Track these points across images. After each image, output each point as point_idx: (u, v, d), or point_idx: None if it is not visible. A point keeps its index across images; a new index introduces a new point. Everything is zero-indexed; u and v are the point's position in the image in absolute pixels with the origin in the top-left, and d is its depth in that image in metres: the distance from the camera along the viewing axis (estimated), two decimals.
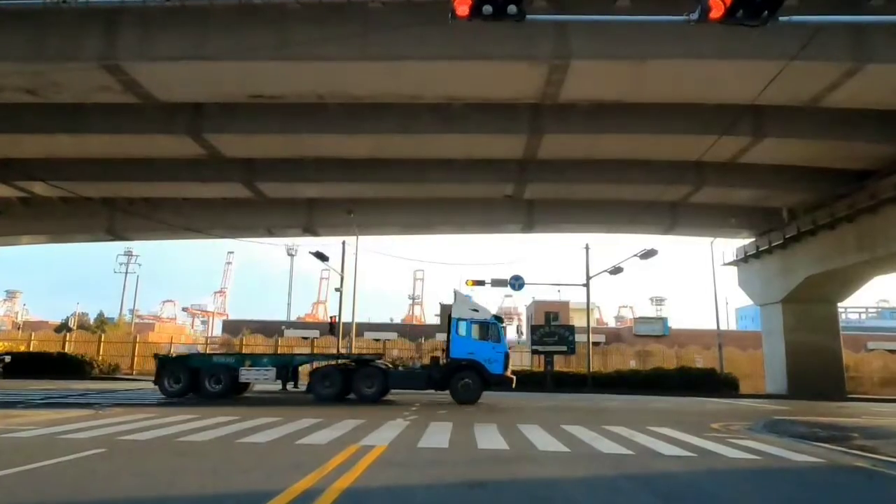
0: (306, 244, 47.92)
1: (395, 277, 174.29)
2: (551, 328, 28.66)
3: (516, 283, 27.97)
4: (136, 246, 57.85)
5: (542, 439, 9.62)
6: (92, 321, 56.79)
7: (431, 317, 69.24)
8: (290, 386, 19.31)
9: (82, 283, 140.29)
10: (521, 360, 31.41)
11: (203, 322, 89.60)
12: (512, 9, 7.46)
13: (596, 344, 35.19)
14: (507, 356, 18.16)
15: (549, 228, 30.37)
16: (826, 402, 23.91)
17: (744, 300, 40.53)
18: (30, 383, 22.47)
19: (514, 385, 18.45)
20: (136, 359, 34.39)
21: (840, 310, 32.48)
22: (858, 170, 22.46)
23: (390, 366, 20.33)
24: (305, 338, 38.06)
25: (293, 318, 64.23)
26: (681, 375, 28.09)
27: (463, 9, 7.53)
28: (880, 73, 15.61)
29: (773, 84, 14.40)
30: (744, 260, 31.44)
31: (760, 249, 29.36)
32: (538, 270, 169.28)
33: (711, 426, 12.59)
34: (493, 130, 19.70)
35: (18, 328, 54.26)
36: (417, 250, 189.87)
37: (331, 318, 31.25)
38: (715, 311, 48.38)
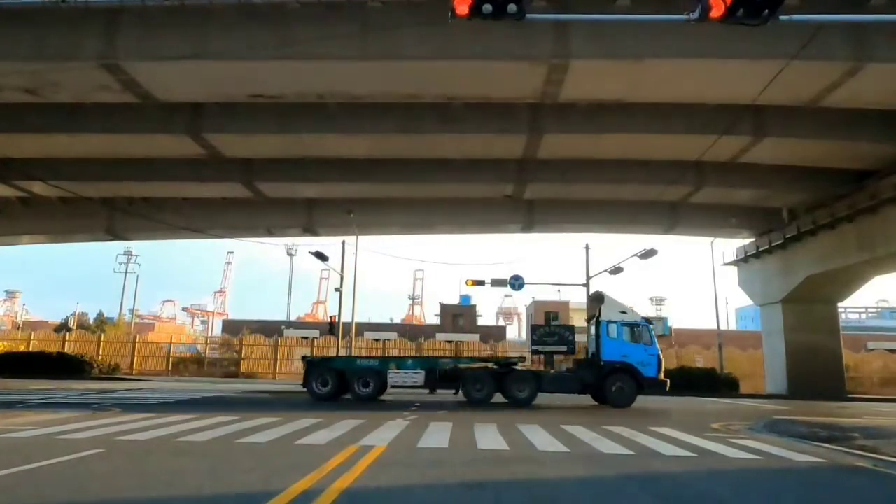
0: (306, 244, 47.72)
1: (395, 277, 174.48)
2: (551, 328, 28.54)
3: (516, 283, 27.93)
4: (136, 246, 57.82)
5: (543, 439, 9.60)
6: (92, 321, 56.79)
7: (431, 317, 69.36)
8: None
9: (82, 283, 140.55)
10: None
11: (203, 322, 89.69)
12: (512, 8, 7.44)
13: None
14: (659, 359, 17.90)
15: (549, 228, 30.37)
16: (826, 402, 23.89)
17: (744, 300, 40.55)
18: (29, 383, 22.48)
19: (668, 388, 18.11)
20: (135, 359, 34.42)
21: (840, 310, 32.49)
22: (858, 170, 22.45)
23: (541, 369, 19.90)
24: (305, 338, 38.02)
25: (293, 317, 64.27)
26: (681, 375, 28.03)
27: (463, 8, 7.51)
28: (881, 73, 15.60)
29: (774, 84, 14.40)
30: (744, 260, 31.43)
31: (760, 249, 29.35)
32: (538, 270, 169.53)
33: (712, 426, 12.57)
34: (493, 130, 19.69)
35: (18, 328, 54.24)
36: (417, 250, 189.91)
37: (331, 318, 31.21)
38: (715, 311, 48.46)
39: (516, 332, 73.03)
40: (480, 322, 51.28)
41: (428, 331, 45.34)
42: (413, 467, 7.13)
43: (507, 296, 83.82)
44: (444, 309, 50.56)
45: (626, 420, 13.35)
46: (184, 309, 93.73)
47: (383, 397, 18.22)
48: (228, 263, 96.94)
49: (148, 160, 22.85)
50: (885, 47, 15.02)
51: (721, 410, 17.94)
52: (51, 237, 31.53)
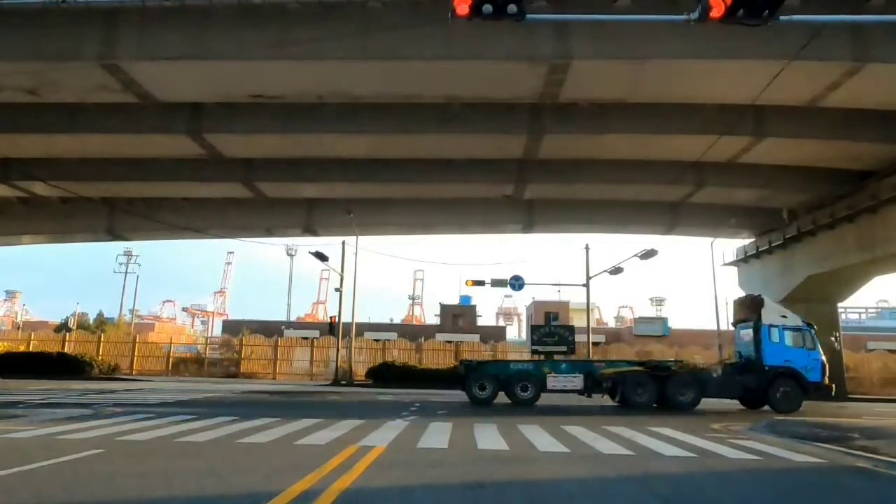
0: (306, 244, 47.80)
1: (395, 277, 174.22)
2: (551, 328, 28.51)
3: (516, 283, 27.96)
4: (136, 246, 57.75)
5: (543, 440, 9.59)
6: (92, 321, 56.73)
7: (431, 317, 69.35)
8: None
9: (82, 284, 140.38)
10: None
11: (203, 322, 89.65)
12: (512, 8, 7.44)
13: (596, 344, 35.14)
14: (823, 363, 17.59)
15: (549, 228, 30.37)
16: (826, 402, 23.85)
17: None
18: (29, 383, 22.47)
19: (833, 393, 17.81)
20: (135, 359, 34.39)
21: (840, 310, 32.44)
22: (859, 170, 22.44)
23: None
24: (305, 338, 38.00)
25: (293, 318, 64.21)
26: None
27: (463, 8, 7.51)
28: (881, 73, 15.59)
29: (774, 84, 14.40)
30: (744, 260, 31.42)
31: (760, 249, 29.34)
32: (538, 270, 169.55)
33: (712, 426, 12.57)
34: (493, 130, 19.68)
35: (18, 328, 54.25)
36: (417, 250, 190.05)
37: (331, 318, 31.26)
38: (715, 311, 48.47)
39: (516, 332, 72.97)
40: (480, 322, 51.26)
41: (428, 331, 45.32)
42: (413, 468, 7.13)
43: (506, 296, 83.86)
44: (444, 309, 50.52)
45: (626, 420, 13.36)
46: (184, 309, 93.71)
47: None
48: (228, 264, 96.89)
49: (148, 160, 22.85)
50: (885, 47, 15.01)
51: (721, 411, 17.93)
52: (51, 237, 31.52)
